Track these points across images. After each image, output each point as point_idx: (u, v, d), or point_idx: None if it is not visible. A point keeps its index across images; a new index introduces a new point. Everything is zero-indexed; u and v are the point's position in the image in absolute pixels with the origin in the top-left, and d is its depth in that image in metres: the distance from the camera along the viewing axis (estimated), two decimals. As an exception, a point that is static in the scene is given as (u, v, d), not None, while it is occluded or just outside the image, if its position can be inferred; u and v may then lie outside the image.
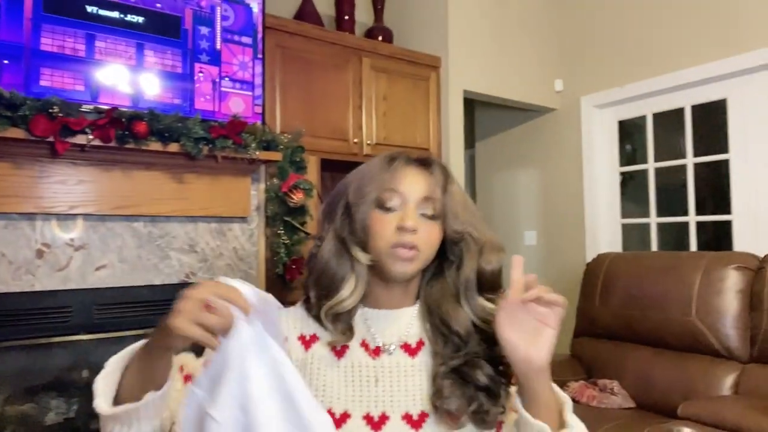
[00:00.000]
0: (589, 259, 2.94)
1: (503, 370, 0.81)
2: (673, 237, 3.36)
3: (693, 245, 2.95)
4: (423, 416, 0.81)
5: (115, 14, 2.10)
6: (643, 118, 3.19)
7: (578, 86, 3.41)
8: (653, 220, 3.14)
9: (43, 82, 1.95)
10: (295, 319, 0.89)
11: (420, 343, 0.86)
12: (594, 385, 2.40)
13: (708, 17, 2.82)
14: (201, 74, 2.27)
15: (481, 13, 3.19)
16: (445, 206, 0.84)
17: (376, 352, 0.85)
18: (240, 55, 2.38)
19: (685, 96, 2.97)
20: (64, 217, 2.03)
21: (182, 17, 2.24)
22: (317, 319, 0.86)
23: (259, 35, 2.41)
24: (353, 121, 2.82)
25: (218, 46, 2.32)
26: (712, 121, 2.97)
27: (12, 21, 1.91)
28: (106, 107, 1.98)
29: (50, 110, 1.83)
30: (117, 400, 0.72)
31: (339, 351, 0.86)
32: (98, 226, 2.10)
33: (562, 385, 2.44)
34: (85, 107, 1.97)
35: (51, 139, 1.84)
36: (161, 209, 2.18)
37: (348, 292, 0.84)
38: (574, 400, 2.31)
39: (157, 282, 2.20)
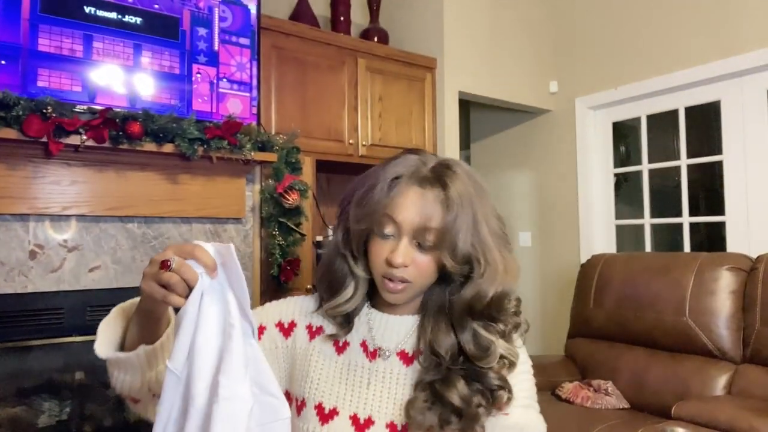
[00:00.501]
0: (583, 260, 2.95)
1: (489, 393, 0.76)
2: (667, 238, 3.38)
3: (687, 246, 2.96)
4: (406, 428, 0.79)
5: (113, 15, 2.09)
6: (637, 120, 3.21)
7: (573, 88, 3.42)
8: (647, 221, 3.15)
9: (40, 83, 1.95)
10: (308, 308, 0.90)
11: (417, 352, 0.84)
12: (588, 385, 2.41)
13: (702, 19, 2.84)
14: (199, 75, 2.27)
15: (476, 15, 3.20)
16: (445, 236, 0.76)
17: (373, 354, 0.85)
18: (238, 56, 2.38)
19: (678, 98, 2.99)
20: (58, 218, 2.02)
21: (180, 18, 2.24)
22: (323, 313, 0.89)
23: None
24: (349, 122, 2.82)
25: (216, 47, 2.31)
26: (705, 123, 2.99)
27: (9, 21, 1.90)
28: (99, 107, 1.97)
29: (44, 110, 1.82)
30: (124, 348, 0.76)
31: (340, 347, 0.86)
32: (92, 227, 2.09)
33: (556, 385, 2.45)
34: (79, 107, 1.97)
35: (44, 139, 1.83)
36: (156, 210, 2.17)
37: (346, 298, 0.85)
38: (568, 401, 2.33)
39: (151, 283, 2.19)
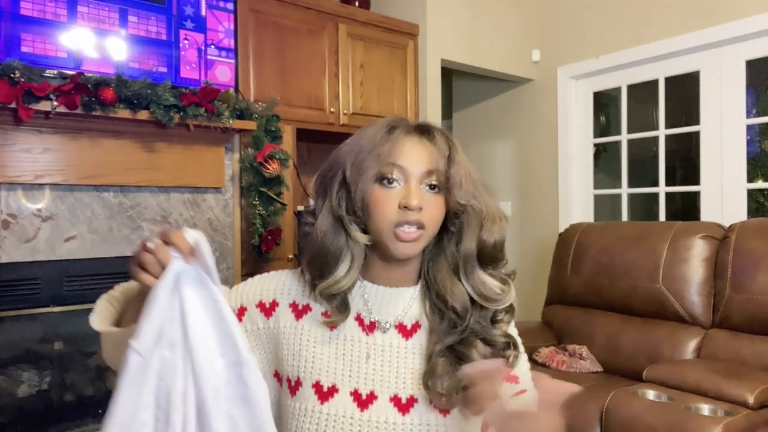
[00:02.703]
0: (561, 229, 2.99)
1: (499, 351, 0.80)
2: (644, 207, 3.45)
3: (662, 215, 3.02)
4: (411, 400, 0.79)
5: None
6: (617, 90, 3.22)
7: (555, 57, 3.41)
8: (624, 191, 3.20)
9: (24, 48, 1.89)
10: (291, 285, 0.86)
11: (416, 326, 0.83)
12: (564, 350, 2.48)
13: (684, -12, 2.83)
14: (186, 41, 2.21)
15: (459, -20, 3.14)
16: (450, 178, 0.79)
17: (371, 328, 0.83)
18: (226, 22, 2.31)
19: (659, 67, 3.00)
20: (30, 187, 1.97)
21: None
22: (312, 294, 0.84)
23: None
24: (329, 90, 2.77)
25: (203, 12, 2.25)
26: (684, 94, 3.02)
27: None
28: (70, 72, 1.90)
29: (11, 75, 1.75)
30: (120, 325, 0.77)
31: (332, 325, 0.84)
32: (66, 197, 2.04)
33: (533, 350, 2.51)
34: (49, 72, 1.90)
35: (13, 105, 1.77)
36: (132, 179, 2.13)
37: (343, 273, 0.80)
38: (544, 365, 2.40)
39: (128, 253, 2.16)
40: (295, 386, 0.82)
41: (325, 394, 0.80)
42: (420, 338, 0.83)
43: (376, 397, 0.80)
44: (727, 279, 2.19)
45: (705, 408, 1.74)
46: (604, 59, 3.15)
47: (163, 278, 0.64)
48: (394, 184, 0.78)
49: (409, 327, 0.83)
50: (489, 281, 0.81)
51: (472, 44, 3.20)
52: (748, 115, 2.72)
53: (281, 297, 0.86)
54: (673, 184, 3.10)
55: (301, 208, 2.66)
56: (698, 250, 2.28)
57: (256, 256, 2.41)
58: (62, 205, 2.03)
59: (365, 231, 0.80)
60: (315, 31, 2.72)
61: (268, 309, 0.85)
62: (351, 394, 0.80)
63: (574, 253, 2.68)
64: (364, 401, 0.79)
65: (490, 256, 0.82)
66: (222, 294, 0.67)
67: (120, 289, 0.81)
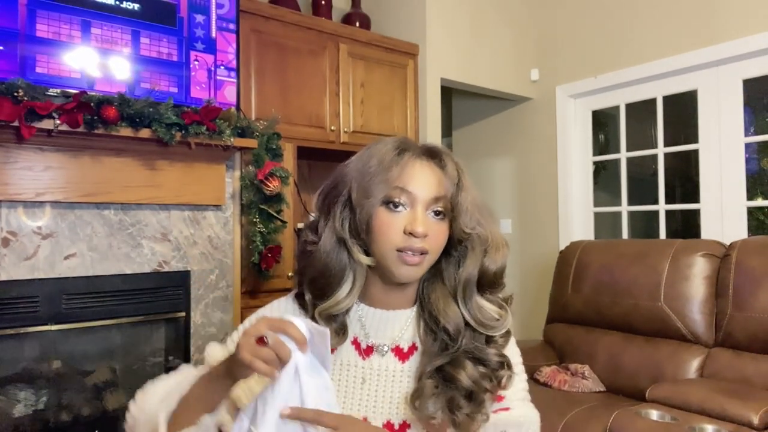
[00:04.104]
0: (562, 247, 2.99)
1: (492, 374, 0.78)
2: (644, 225, 3.45)
3: (662, 233, 3.02)
4: (404, 426, 0.78)
5: (111, 1, 2.06)
6: (616, 108, 3.24)
7: (554, 76, 3.44)
8: (624, 208, 3.20)
9: (39, 69, 1.92)
10: (286, 312, 0.85)
11: (412, 348, 0.83)
12: (566, 369, 2.45)
13: (680, 10, 2.87)
14: (197, 62, 2.25)
15: (458, 2, 3.18)
16: (457, 205, 0.78)
17: (367, 352, 0.82)
18: (234, 44, 2.36)
19: (657, 87, 3.02)
20: (31, 205, 1.97)
21: (178, 5, 2.21)
22: (311, 317, 0.82)
23: (228, 12, 2.36)
24: (330, 108, 2.79)
25: (213, 34, 2.29)
26: (682, 112, 3.04)
27: (7, 7, 1.87)
28: (74, 91, 1.92)
29: (15, 93, 1.76)
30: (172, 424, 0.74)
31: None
32: (67, 214, 2.04)
33: (535, 369, 2.49)
34: (52, 91, 1.91)
35: (16, 123, 1.78)
36: (132, 197, 2.13)
37: (344, 294, 0.79)
38: (546, 384, 2.37)
39: (128, 271, 2.16)
40: None
41: None
42: (415, 361, 0.82)
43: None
44: (728, 297, 2.18)
45: (709, 429, 1.72)
46: (603, 78, 3.18)
47: (285, 369, 0.66)
48: (400, 208, 0.77)
49: (405, 349, 0.83)
50: (487, 306, 0.81)
51: (471, 63, 3.24)
52: (746, 133, 2.74)
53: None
54: (673, 202, 3.11)
55: (301, 225, 2.66)
56: (699, 268, 2.27)
57: (256, 274, 2.41)
58: (62, 222, 2.03)
59: (367, 253, 0.79)
60: (316, 51, 2.75)
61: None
62: None
63: (575, 271, 2.67)
64: None
65: (490, 282, 0.82)
66: (329, 378, 0.69)
67: (168, 389, 0.78)
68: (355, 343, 0.83)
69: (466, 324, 0.79)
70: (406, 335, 0.83)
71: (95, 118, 1.91)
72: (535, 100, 3.55)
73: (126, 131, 1.99)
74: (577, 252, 2.72)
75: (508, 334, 0.83)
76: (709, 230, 2.80)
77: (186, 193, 2.25)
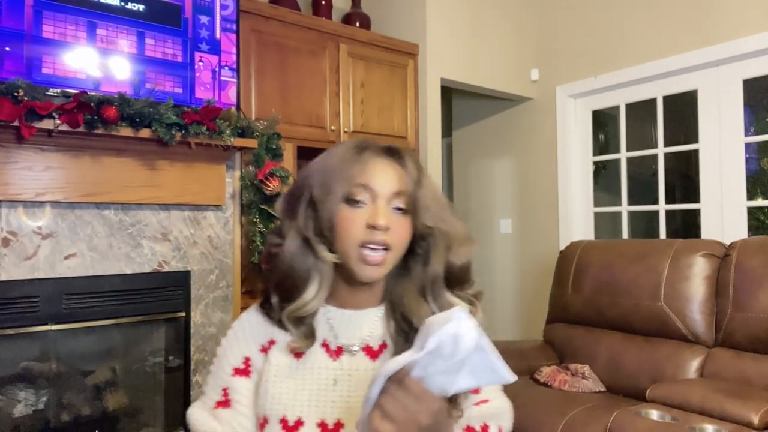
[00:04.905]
0: (562, 247, 2.99)
1: None
2: (644, 225, 3.45)
3: (663, 233, 3.02)
4: None
5: (116, 2, 2.07)
6: (616, 108, 3.24)
7: (554, 76, 3.44)
8: (624, 208, 3.20)
9: (45, 70, 1.93)
10: (252, 329, 0.85)
11: (382, 346, 0.83)
12: (566, 369, 2.45)
13: (680, 9, 2.87)
14: (201, 63, 2.26)
15: (458, 2, 3.18)
16: (417, 200, 0.79)
17: (338, 353, 0.82)
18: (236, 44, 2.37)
19: (657, 87, 3.02)
20: (31, 205, 1.97)
21: (182, 6, 2.22)
22: (277, 322, 0.83)
23: (232, 14, 2.37)
24: (330, 108, 2.79)
25: (218, 35, 2.30)
26: (683, 112, 3.04)
27: (13, 8, 1.87)
28: (74, 91, 1.92)
29: (15, 93, 1.76)
30: None
31: (298, 352, 0.82)
32: (67, 214, 2.04)
33: (535, 369, 2.49)
34: (52, 91, 1.91)
35: (16, 123, 1.78)
36: (133, 197, 2.13)
37: (311, 295, 0.79)
38: (546, 384, 2.37)
39: (128, 271, 2.16)
40: (262, 425, 0.80)
41: (290, 428, 0.78)
42: (386, 359, 0.82)
43: (342, 425, 0.78)
44: (729, 297, 2.18)
45: (709, 429, 1.72)
46: (603, 78, 3.18)
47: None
48: (362, 204, 0.78)
49: (376, 348, 0.83)
50: (457, 302, 0.80)
51: (471, 63, 3.24)
52: (746, 133, 2.74)
53: (250, 347, 0.85)
54: (673, 202, 3.11)
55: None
56: (699, 268, 2.27)
57: (256, 274, 2.41)
58: (63, 222, 2.03)
59: (332, 251, 0.79)
60: (316, 51, 2.76)
61: (244, 369, 0.84)
62: (318, 425, 0.78)
63: (575, 271, 2.67)
64: (331, 430, 0.78)
65: (457, 278, 0.82)
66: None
67: None
68: (325, 345, 0.82)
69: None
70: (375, 334, 0.83)
71: (95, 118, 1.91)
72: (536, 100, 3.55)
73: (126, 131, 1.99)
74: (577, 252, 2.72)
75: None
76: (709, 230, 2.80)
77: (186, 193, 2.25)
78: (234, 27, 2.36)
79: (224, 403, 0.83)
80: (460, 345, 0.60)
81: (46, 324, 2.00)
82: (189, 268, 2.30)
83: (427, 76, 3.09)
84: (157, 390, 2.33)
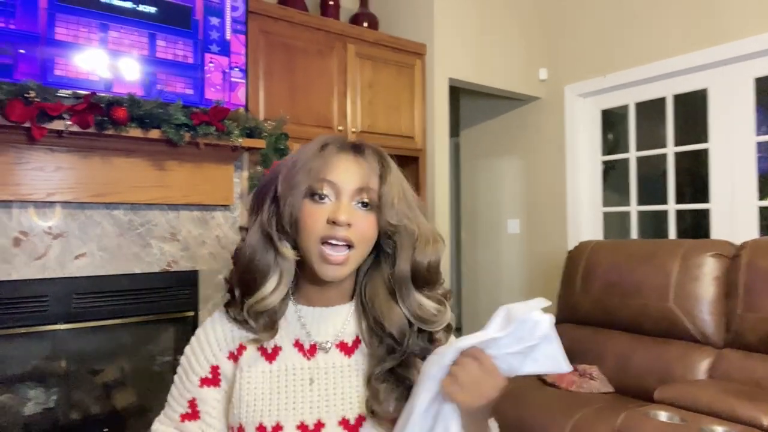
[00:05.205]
0: (570, 247, 2.97)
1: None
2: (653, 225, 3.42)
3: (672, 233, 3.00)
4: (360, 420, 0.78)
5: (128, 4, 2.09)
6: (625, 108, 3.22)
7: (562, 75, 3.42)
8: (634, 208, 3.18)
9: (58, 72, 1.95)
10: (218, 338, 0.83)
11: (356, 342, 0.83)
12: (574, 370, 2.44)
13: (690, 8, 2.84)
14: (211, 65, 2.27)
15: (466, 1, 3.18)
16: (382, 196, 0.78)
17: (311, 351, 0.81)
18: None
19: (667, 85, 3.00)
20: (42, 205, 1.99)
21: (193, 8, 2.24)
22: (242, 322, 0.81)
23: (242, 15, 2.38)
24: (338, 109, 2.80)
25: (228, 36, 2.31)
26: (693, 111, 3.01)
27: (27, 11, 1.90)
28: (84, 92, 1.94)
29: (26, 95, 1.78)
30: None
31: (270, 354, 0.80)
32: (77, 214, 2.06)
33: (544, 370, 2.48)
34: (63, 92, 1.93)
35: (27, 124, 1.80)
36: (142, 197, 2.15)
37: (269, 290, 0.78)
38: (554, 385, 2.36)
39: (137, 271, 2.18)
40: None
41: None
42: (360, 355, 0.82)
43: (323, 425, 0.77)
44: (739, 298, 2.16)
45: (719, 430, 1.70)
46: (612, 77, 3.17)
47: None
48: (325, 200, 0.77)
49: (350, 344, 0.82)
50: (426, 303, 0.80)
51: (479, 63, 3.23)
52: (758, 132, 2.71)
53: (216, 355, 0.82)
54: (683, 202, 3.08)
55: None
56: (709, 269, 2.25)
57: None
58: (73, 222, 2.05)
59: (295, 248, 0.79)
60: (324, 51, 2.76)
61: (212, 379, 0.82)
62: (297, 428, 0.77)
63: (583, 271, 2.66)
64: (312, 431, 0.77)
65: (424, 279, 0.80)
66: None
67: None
68: (298, 344, 0.81)
69: (410, 324, 0.79)
70: (348, 329, 0.83)
71: (105, 119, 1.93)
72: (544, 100, 3.53)
73: (135, 132, 2.00)
74: (585, 252, 2.71)
75: (449, 328, 0.83)
76: (719, 230, 2.78)
77: (194, 194, 2.26)
78: (243, 28, 2.37)
79: (191, 415, 0.81)
80: (535, 332, 0.67)
81: (55, 323, 2.02)
82: (197, 268, 2.31)
83: (435, 76, 3.09)
84: (165, 389, 2.34)
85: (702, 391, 1.94)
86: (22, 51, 1.88)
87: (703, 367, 2.19)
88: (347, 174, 0.78)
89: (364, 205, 0.78)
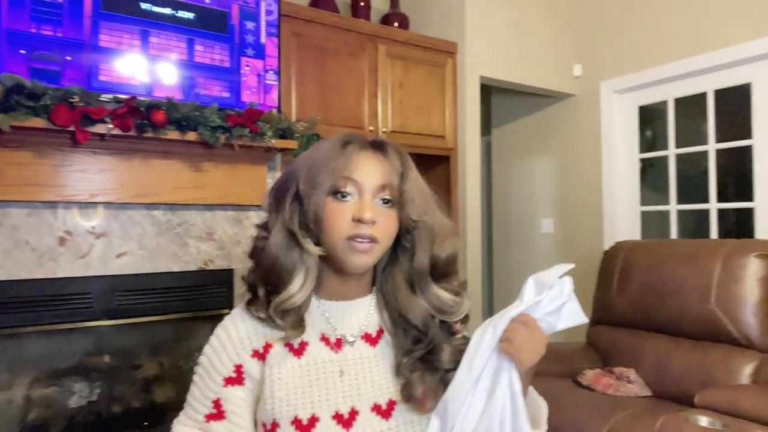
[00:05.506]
0: (606, 247, 2.91)
1: (461, 355, 0.80)
2: (694, 225, 3.31)
3: (714, 233, 2.90)
4: (391, 404, 0.81)
5: (167, 11, 2.16)
6: (664, 104, 3.13)
7: (597, 71, 3.35)
8: (673, 207, 3.09)
9: (102, 77, 2.03)
10: (241, 337, 0.83)
11: (380, 332, 0.85)
12: (610, 373, 2.39)
13: (732, -1, 2.74)
14: (247, 68, 2.33)
15: (498, -2, 3.15)
16: (403, 193, 0.80)
17: (338, 344, 0.83)
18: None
19: (707, 80, 2.90)
20: (85, 206, 2.07)
21: (229, 13, 2.30)
22: (265, 320, 0.81)
23: (276, 18, 2.42)
24: (369, 109, 2.81)
25: (263, 39, 2.37)
26: (735, 106, 2.91)
27: (73, 19, 1.98)
28: (124, 96, 2.01)
29: (71, 100, 1.85)
30: None
31: (297, 350, 0.81)
32: (119, 214, 2.13)
33: (578, 372, 2.44)
34: (105, 97, 2.00)
35: (72, 128, 1.87)
36: (179, 197, 2.21)
37: (297, 287, 0.79)
38: (589, 388, 2.32)
39: (175, 269, 2.24)
40: (272, 429, 0.79)
41: (306, 427, 0.78)
42: (384, 344, 0.85)
43: (357, 412, 0.80)
44: (786, 300, 2.08)
45: (764, 437, 1.65)
46: (650, 72, 3.08)
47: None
48: (348, 197, 0.78)
49: (374, 335, 0.85)
50: (443, 294, 0.83)
51: (511, 60, 3.19)
52: (806, 127, 2.60)
53: (240, 353, 0.82)
54: (725, 201, 2.98)
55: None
56: (753, 269, 2.17)
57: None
58: (114, 222, 2.12)
59: (318, 245, 0.80)
60: (355, 52, 2.78)
61: (237, 378, 0.82)
62: (333, 417, 0.79)
63: (620, 272, 2.60)
64: (347, 420, 0.79)
65: (442, 271, 0.83)
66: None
67: None
68: (324, 338, 0.83)
69: (431, 315, 0.83)
70: (371, 321, 0.86)
71: (145, 122, 1.99)
72: (578, 97, 3.47)
73: (173, 134, 2.06)
74: (622, 252, 2.65)
75: (466, 318, 0.87)
76: (764, 230, 2.67)
77: (229, 194, 2.31)
78: (276, 31, 2.41)
79: (216, 415, 0.80)
80: (564, 290, 0.76)
81: (99, 319, 2.10)
82: (232, 267, 2.36)
83: (466, 75, 3.07)
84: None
85: (745, 396, 1.87)
86: (68, 58, 1.96)
87: (746, 371, 2.11)
88: (369, 172, 0.79)
89: (386, 202, 0.80)
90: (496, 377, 0.75)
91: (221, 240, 2.34)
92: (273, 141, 2.26)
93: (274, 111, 2.37)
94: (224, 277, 2.35)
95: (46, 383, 2.11)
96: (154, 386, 2.30)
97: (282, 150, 2.38)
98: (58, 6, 1.95)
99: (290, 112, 2.55)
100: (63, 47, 1.96)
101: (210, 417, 0.81)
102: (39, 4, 1.92)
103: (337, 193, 0.78)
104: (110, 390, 2.22)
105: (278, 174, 2.47)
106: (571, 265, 0.78)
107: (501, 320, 0.76)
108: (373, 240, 0.78)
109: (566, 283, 0.77)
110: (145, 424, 2.24)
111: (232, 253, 2.37)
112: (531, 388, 0.83)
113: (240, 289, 2.55)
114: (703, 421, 1.77)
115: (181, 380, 2.38)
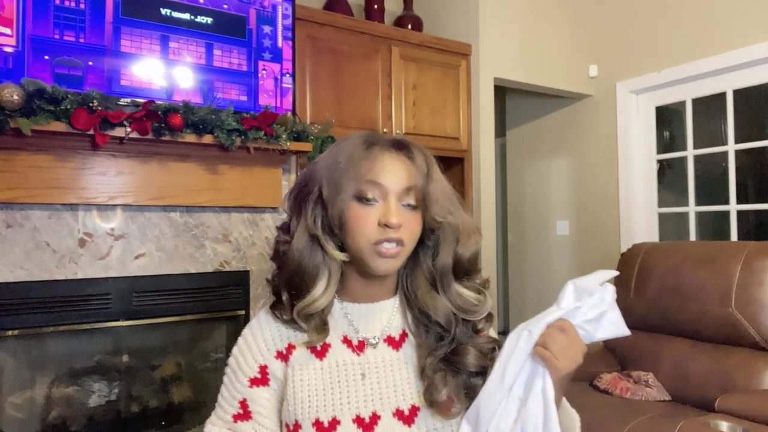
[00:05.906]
0: (623, 249, 2.88)
1: (487, 356, 0.80)
2: (713, 227, 3.26)
3: (734, 235, 2.85)
4: (414, 410, 0.79)
5: (186, 16, 2.19)
6: (682, 104, 3.09)
7: (614, 72, 3.32)
8: (692, 209, 3.05)
9: (123, 82, 2.07)
10: (265, 338, 0.84)
11: (403, 335, 0.84)
12: (628, 376, 2.36)
13: (752, -3, 2.70)
14: (264, 72, 2.36)
15: (512, -1, 3.14)
16: (428, 194, 0.79)
17: (360, 347, 0.82)
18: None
19: (726, 80, 2.86)
20: (105, 208, 2.10)
21: (247, 17, 2.32)
22: (289, 322, 0.82)
23: (290, 23, 2.44)
24: (383, 111, 2.82)
25: (279, 43, 2.39)
26: (755, 106, 2.86)
27: (95, 25, 2.02)
28: (142, 100, 2.04)
29: (90, 104, 1.89)
30: None
31: (320, 352, 0.81)
32: (137, 216, 2.16)
33: (595, 376, 2.41)
34: (123, 101, 2.04)
35: (91, 132, 1.90)
36: (196, 200, 2.23)
37: (320, 291, 0.79)
38: (606, 392, 2.29)
39: (192, 270, 2.26)
40: (294, 431, 0.79)
41: (327, 429, 0.77)
42: (408, 348, 0.83)
43: (379, 417, 0.79)
44: (809, 303, 2.03)
45: (787, 443, 1.61)
46: (667, 73, 3.05)
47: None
48: (373, 201, 0.77)
49: (397, 338, 0.84)
50: (465, 293, 0.82)
51: (526, 61, 3.18)
52: (829, 127, 2.54)
53: (265, 355, 0.83)
54: (746, 202, 2.92)
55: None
56: (775, 272, 2.13)
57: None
58: (133, 224, 2.15)
59: (341, 248, 0.79)
60: (369, 55, 2.79)
61: (261, 379, 0.82)
62: (354, 421, 0.78)
63: (637, 274, 2.57)
64: (368, 425, 0.78)
65: (465, 270, 0.83)
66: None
67: None
68: (346, 341, 0.83)
69: (453, 314, 0.82)
70: (394, 324, 0.85)
71: (162, 125, 2.02)
72: (594, 97, 3.44)
73: (190, 137, 2.09)
74: (640, 254, 2.61)
75: (490, 317, 0.85)
76: (786, 232, 2.62)
77: (245, 196, 2.33)
78: (292, 35, 2.43)
79: (243, 416, 0.82)
80: (606, 298, 0.74)
81: (117, 320, 2.13)
82: (248, 268, 2.38)
83: (480, 76, 3.06)
84: (218, 385, 2.42)
85: (767, 401, 1.83)
86: (90, 63, 2.00)
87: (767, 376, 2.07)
88: (394, 175, 0.78)
89: (410, 204, 0.79)
90: (529, 384, 0.73)
91: (237, 242, 2.36)
92: (288, 144, 2.27)
93: (289, 114, 2.39)
94: (240, 278, 2.37)
95: (67, 382, 2.15)
96: (172, 386, 2.33)
97: (297, 152, 2.40)
98: (80, 13, 1.99)
99: (305, 114, 2.56)
100: (85, 53, 2.00)
101: (237, 417, 0.82)
102: (62, 11, 1.96)
103: (362, 198, 0.77)
104: (128, 390, 2.25)
105: (293, 176, 2.48)
106: (615, 272, 0.75)
107: (537, 325, 0.73)
108: (399, 243, 0.77)
109: (608, 291, 0.74)
110: (163, 423, 2.27)
111: (247, 254, 2.39)
112: (564, 400, 0.82)
113: (255, 290, 2.59)
114: (724, 426, 1.74)
115: (198, 380, 2.41)
